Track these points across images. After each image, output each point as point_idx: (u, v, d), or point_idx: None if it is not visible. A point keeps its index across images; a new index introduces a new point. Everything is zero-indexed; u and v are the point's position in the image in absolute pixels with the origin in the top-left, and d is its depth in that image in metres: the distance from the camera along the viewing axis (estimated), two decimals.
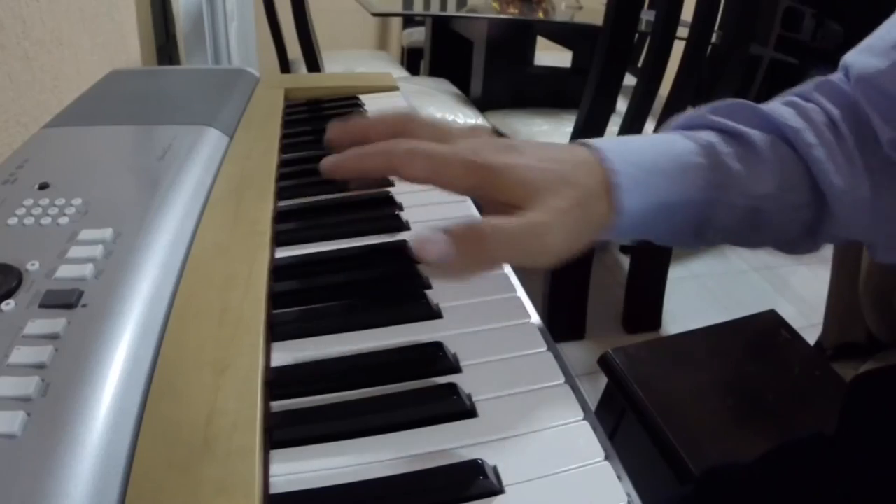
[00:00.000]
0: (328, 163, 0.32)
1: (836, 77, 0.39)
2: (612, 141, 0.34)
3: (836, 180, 0.35)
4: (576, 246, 0.31)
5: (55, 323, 0.27)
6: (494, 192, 0.31)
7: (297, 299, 0.33)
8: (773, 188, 0.35)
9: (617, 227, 0.33)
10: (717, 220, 0.36)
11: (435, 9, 1.87)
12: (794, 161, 0.36)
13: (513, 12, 1.64)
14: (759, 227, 0.37)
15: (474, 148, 0.31)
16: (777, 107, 0.38)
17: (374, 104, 0.63)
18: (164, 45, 1.47)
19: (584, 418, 0.27)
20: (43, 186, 0.38)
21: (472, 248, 0.28)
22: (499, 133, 1.55)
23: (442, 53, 2.13)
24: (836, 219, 0.36)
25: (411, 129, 0.33)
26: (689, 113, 0.39)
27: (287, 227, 0.40)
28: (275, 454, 0.25)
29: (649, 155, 0.34)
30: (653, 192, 0.33)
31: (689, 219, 0.36)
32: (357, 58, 2.16)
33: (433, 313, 0.33)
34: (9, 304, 0.28)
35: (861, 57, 0.37)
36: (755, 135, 0.36)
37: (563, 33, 1.83)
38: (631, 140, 0.35)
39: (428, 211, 0.42)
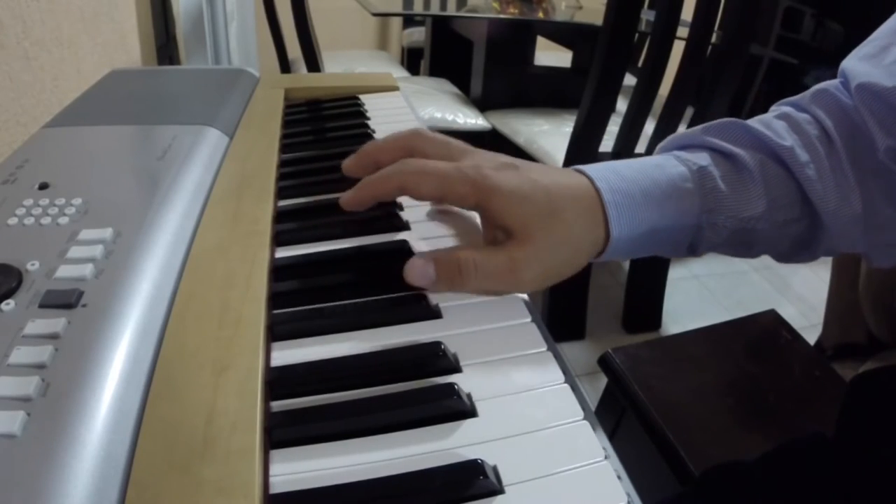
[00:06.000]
0: (346, 199, 0.36)
1: (833, 85, 0.39)
2: (605, 169, 0.36)
3: (828, 197, 0.36)
4: (557, 277, 0.34)
5: (55, 323, 0.27)
6: (491, 215, 0.33)
7: (297, 299, 0.33)
8: (762, 208, 0.36)
9: (608, 253, 0.35)
10: (707, 239, 0.37)
11: (435, 9, 1.87)
12: (785, 179, 0.37)
13: (513, 12, 1.64)
14: (751, 243, 0.38)
15: (477, 165, 0.33)
16: (770, 121, 0.39)
17: (374, 104, 0.63)
18: (164, 45, 1.47)
19: (584, 418, 0.27)
20: (43, 186, 0.38)
21: (450, 277, 0.32)
22: (497, 133, 1.55)
23: (442, 53, 2.13)
24: (829, 232, 0.37)
25: (420, 147, 0.36)
26: (685, 132, 0.40)
27: (287, 227, 0.40)
28: (275, 454, 0.25)
29: (641, 183, 0.35)
30: (643, 220, 0.35)
31: (679, 240, 0.38)
32: (357, 58, 2.16)
33: (433, 313, 0.33)
34: (9, 304, 0.28)
35: (861, 65, 0.37)
36: (746, 155, 0.37)
37: (563, 33, 1.84)
38: (623, 167, 0.36)
39: (428, 210, 0.42)
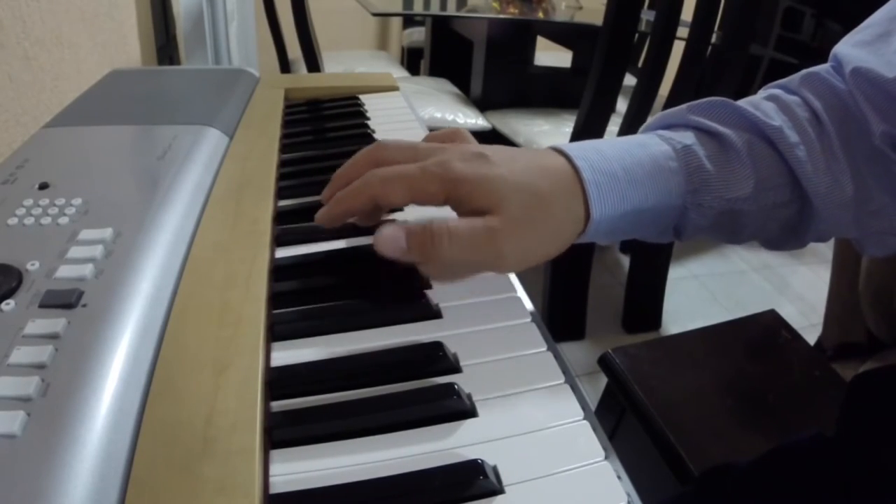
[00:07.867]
0: (320, 217, 0.35)
1: (823, 69, 0.38)
2: (586, 147, 0.35)
3: (818, 179, 0.35)
4: (537, 256, 0.32)
5: (55, 323, 0.27)
6: (463, 203, 0.32)
7: (297, 299, 0.33)
8: (749, 190, 0.35)
9: (590, 233, 0.34)
10: (693, 222, 0.36)
11: (435, 9, 1.87)
12: (774, 160, 0.36)
13: (513, 12, 1.64)
14: (738, 227, 0.37)
15: (442, 161, 0.32)
16: (759, 102, 0.38)
17: (374, 104, 0.63)
18: (164, 45, 1.47)
19: (584, 418, 0.27)
20: (43, 186, 0.38)
21: (422, 246, 0.30)
22: (498, 133, 1.55)
23: (442, 53, 2.13)
24: (819, 216, 0.36)
25: (385, 157, 0.35)
26: (670, 111, 0.39)
27: (287, 227, 0.40)
28: (275, 454, 0.25)
29: (623, 162, 0.34)
30: (626, 200, 0.34)
31: (664, 222, 0.36)
32: (357, 58, 2.16)
33: (433, 313, 0.33)
34: (9, 304, 0.28)
35: (855, 51, 0.37)
36: (733, 135, 0.36)
37: (563, 33, 1.83)
38: (605, 146, 0.35)
39: (427, 210, 0.42)
